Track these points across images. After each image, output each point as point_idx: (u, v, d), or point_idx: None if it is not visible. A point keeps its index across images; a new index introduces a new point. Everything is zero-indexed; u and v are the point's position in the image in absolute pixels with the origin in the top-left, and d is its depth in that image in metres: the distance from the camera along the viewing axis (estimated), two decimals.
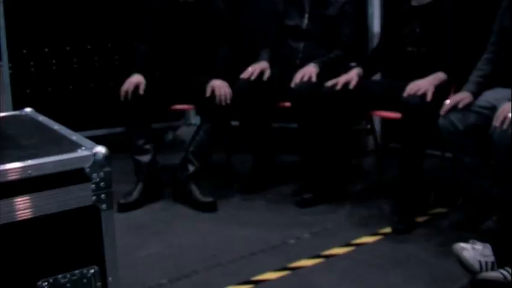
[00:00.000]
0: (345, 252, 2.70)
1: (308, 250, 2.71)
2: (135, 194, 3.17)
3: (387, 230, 2.90)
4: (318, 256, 2.66)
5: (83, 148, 1.75)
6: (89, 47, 3.81)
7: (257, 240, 2.81)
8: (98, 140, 4.19)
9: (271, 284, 2.45)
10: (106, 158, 1.74)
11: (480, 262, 2.35)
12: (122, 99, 3.17)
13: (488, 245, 2.38)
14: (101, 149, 1.74)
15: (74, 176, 1.70)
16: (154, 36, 3.39)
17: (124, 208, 3.12)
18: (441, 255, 2.60)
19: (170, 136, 4.28)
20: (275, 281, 2.47)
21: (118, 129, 3.52)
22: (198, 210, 3.14)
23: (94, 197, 1.74)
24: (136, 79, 3.19)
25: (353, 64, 3.32)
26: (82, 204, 1.72)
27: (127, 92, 3.16)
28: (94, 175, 1.73)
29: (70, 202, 1.70)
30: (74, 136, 1.90)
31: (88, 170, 1.71)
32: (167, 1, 3.39)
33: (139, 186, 3.19)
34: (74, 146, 1.77)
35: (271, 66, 3.40)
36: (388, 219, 2.97)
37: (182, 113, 4.24)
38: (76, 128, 3.75)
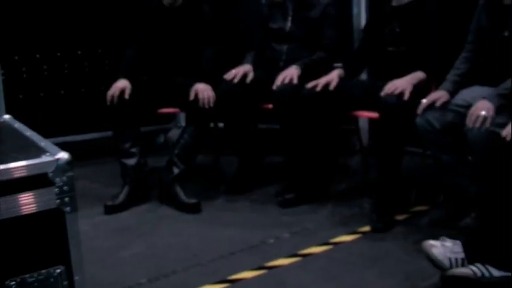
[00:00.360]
0: (323, 251, 2.75)
1: (286, 249, 2.76)
2: (121, 197, 3.24)
3: (367, 228, 2.93)
4: (296, 255, 2.70)
5: (47, 154, 1.82)
6: (79, 52, 3.91)
7: (237, 241, 2.86)
8: (89, 144, 4.29)
9: (247, 282, 2.51)
10: (68, 163, 1.81)
11: (450, 259, 2.37)
12: (108, 103, 3.24)
13: (458, 242, 2.41)
14: (64, 155, 1.81)
15: (38, 180, 1.78)
16: (142, 42, 3.46)
17: (111, 210, 3.20)
18: (417, 252, 2.60)
19: (161, 139, 4.36)
20: (251, 280, 2.52)
21: (109, 133, 3.60)
22: (182, 212, 3.20)
23: (58, 201, 1.81)
24: (122, 84, 3.26)
25: (338, 65, 3.37)
26: (46, 207, 1.80)
27: (112, 96, 3.23)
28: (57, 179, 1.80)
29: (35, 205, 1.78)
30: (43, 142, 1.97)
31: (51, 174, 1.79)
32: (154, 6, 3.46)
33: (126, 189, 3.26)
34: (40, 152, 1.84)
35: (256, 69, 3.46)
36: (368, 218, 3.01)
37: (173, 116, 4.31)
38: (67, 132, 3.89)
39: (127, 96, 3.23)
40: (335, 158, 3.55)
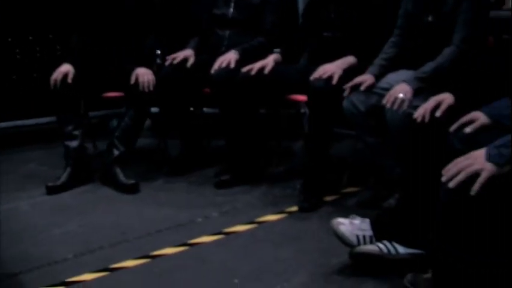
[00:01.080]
0: (246, 230, 2.84)
1: (212, 228, 2.85)
2: (63, 178, 3.33)
3: (295, 208, 3.03)
4: (220, 233, 2.80)
5: None
6: (30, 38, 3.99)
7: (168, 219, 2.96)
8: (41, 128, 4.36)
9: (167, 258, 2.60)
10: None
11: (357, 236, 2.45)
12: (51, 87, 3.33)
13: (366, 220, 2.48)
14: None
15: None
16: (87, 26, 3.52)
17: (52, 191, 3.29)
18: None
19: (114, 123, 4.42)
20: (171, 256, 2.62)
21: None
22: (121, 192, 3.30)
23: None
24: (65, 68, 3.34)
25: (278, 50, 3.44)
26: None
27: (55, 80, 3.32)
28: None
29: None
30: None
31: None
32: None
33: (68, 170, 3.35)
34: None
35: (200, 54, 3.54)
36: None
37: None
38: (19, 117, 3.96)
39: (69, 80, 3.31)
40: (277, 141, 3.64)
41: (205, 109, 3.82)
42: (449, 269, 1.85)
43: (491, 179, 1.70)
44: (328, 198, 3.12)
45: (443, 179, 1.76)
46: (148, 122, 4.15)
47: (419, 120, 2.51)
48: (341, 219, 2.48)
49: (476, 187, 1.70)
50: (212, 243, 2.72)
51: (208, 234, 2.78)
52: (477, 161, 1.74)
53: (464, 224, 1.78)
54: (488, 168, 1.72)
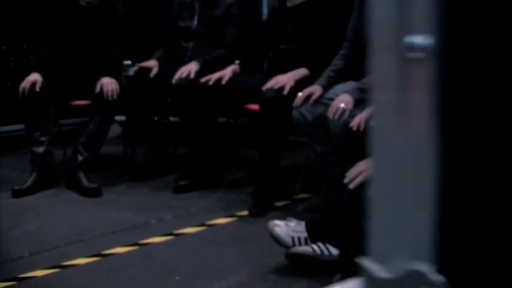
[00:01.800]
0: (196, 232, 2.98)
1: (164, 229, 3.00)
2: (29, 182, 3.49)
3: (245, 213, 3.16)
4: (170, 234, 2.94)
5: None
6: (5, 48, 4.18)
7: (124, 221, 3.11)
8: (14, 135, 4.50)
9: (117, 256, 2.75)
10: None
11: (293, 237, 2.58)
12: (20, 95, 3.50)
13: (302, 222, 2.61)
14: None
15: None
16: (56, 38, 3.71)
17: (17, 194, 3.45)
18: None
19: None
20: (121, 254, 2.76)
21: None
22: (83, 196, 3.45)
23: None
24: (33, 77, 3.51)
25: (237, 62, 3.60)
26: None
27: (24, 89, 3.48)
28: None
29: None
30: None
31: None
32: (69, 3, 3.70)
33: (34, 175, 3.51)
34: None
35: (165, 65, 3.70)
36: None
37: None
38: None
39: (37, 89, 3.48)
40: (238, 149, 3.78)
41: (171, 118, 3.97)
42: (352, 271, 1.96)
43: None
44: (279, 204, 3.26)
45: (345, 180, 1.89)
46: (118, 130, 4.32)
47: (354, 128, 2.66)
48: (277, 221, 2.61)
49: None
50: (161, 243, 2.86)
51: (159, 235, 2.92)
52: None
53: (361, 226, 1.89)
54: None
